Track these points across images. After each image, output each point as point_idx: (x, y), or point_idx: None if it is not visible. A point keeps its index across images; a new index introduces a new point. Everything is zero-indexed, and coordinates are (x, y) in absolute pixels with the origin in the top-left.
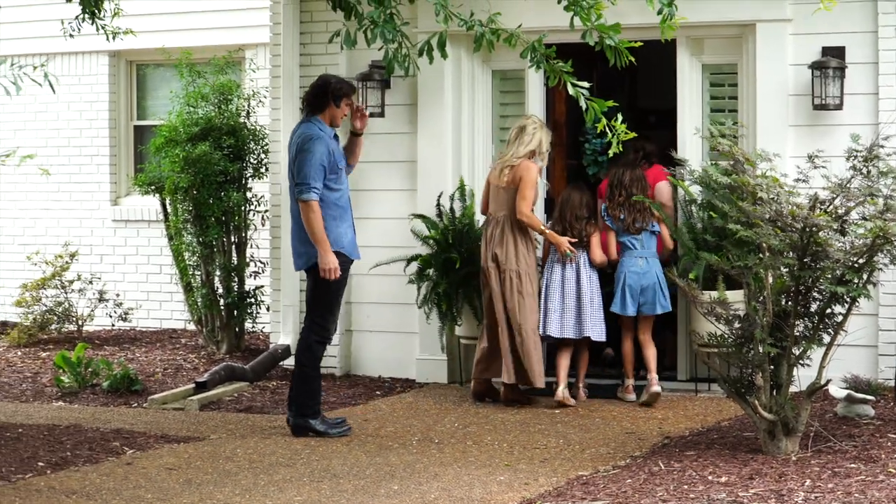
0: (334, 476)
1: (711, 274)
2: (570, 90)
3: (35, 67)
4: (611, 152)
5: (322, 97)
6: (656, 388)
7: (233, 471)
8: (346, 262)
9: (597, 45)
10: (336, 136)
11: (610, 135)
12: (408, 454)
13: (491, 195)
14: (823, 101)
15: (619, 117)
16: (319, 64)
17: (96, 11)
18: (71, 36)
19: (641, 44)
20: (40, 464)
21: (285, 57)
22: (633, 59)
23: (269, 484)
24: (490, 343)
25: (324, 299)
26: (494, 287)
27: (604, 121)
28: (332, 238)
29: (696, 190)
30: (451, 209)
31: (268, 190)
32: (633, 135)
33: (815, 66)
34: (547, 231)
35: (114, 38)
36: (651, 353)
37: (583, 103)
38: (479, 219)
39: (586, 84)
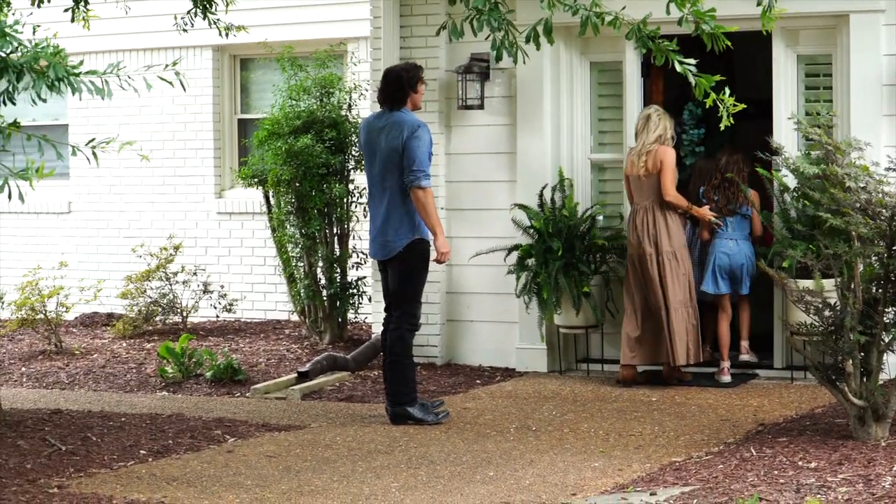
0: (431, 462)
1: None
2: (678, 67)
3: (166, 66)
4: (722, 125)
5: (400, 90)
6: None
7: (331, 458)
8: (429, 248)
9: (693, 30)
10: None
11: (721, 108)
12: (504, 441)
13: (633, 186)
14: None
15: (727, 90)
16: (420, 57)
17: (208, 6)
18: (184, 31)
19: (738, 28)
20: (142, 451)
21: (386, 50)
22: (729, 44)
23: (366, 471)
24: (642, 328)
25: (412, 289)
26: (652, 272)
27: (713, 95)
28: (423, 226)
29: (790, 181)
30: (553, 199)
31: None
32: (742, 106)
33: None
34: (693, 207)
35: (227, 34)
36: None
37: (691, 79)
38: (580, 209)
39: (693, 61)
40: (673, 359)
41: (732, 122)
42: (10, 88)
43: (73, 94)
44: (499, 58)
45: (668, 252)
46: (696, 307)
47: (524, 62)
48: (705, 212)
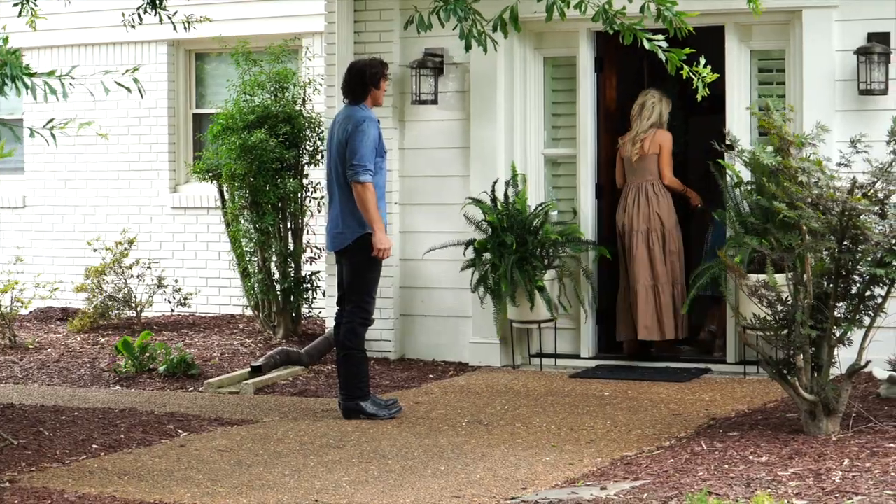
0: (383, 457)
1: (759, 257)
2: (647, 45)
3: (126, 72)
4: (698, 97)
5: (362, 85)
6: None
7: (283, 452)
8: None
9: (655, 17)
10: (378, 122)
11: (695, 80)
12: (456, 436)
13: (626, 168)
14: (869, 87)
15: (702, 61)
16: (374, 52)
17: (157, 2)
18: (132, 27)
19: (698, 13)
20: (94, 446)
21: (340, 45)
22: (692, 29)
23: (318, 465)
24: (644, 302)
25: (365, 282)
26: (639, 248)
27: (686, 68)
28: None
29: (743, 174)
30: (506, 194)
31: (323, 177)
32: (716, 76)
33: (860, 52)
34: (688, 190)
35: (187, 27)
36: None
37: (661, 55)
38: (531, 203)
39: (661, 37)
40: (641, 332)
41: (708, 92)
42: None
43: (28, 94)
44: (468, 47)
45: (659, 229)
46: (684, 286)
47: (495, 49)
48: (696, 195)
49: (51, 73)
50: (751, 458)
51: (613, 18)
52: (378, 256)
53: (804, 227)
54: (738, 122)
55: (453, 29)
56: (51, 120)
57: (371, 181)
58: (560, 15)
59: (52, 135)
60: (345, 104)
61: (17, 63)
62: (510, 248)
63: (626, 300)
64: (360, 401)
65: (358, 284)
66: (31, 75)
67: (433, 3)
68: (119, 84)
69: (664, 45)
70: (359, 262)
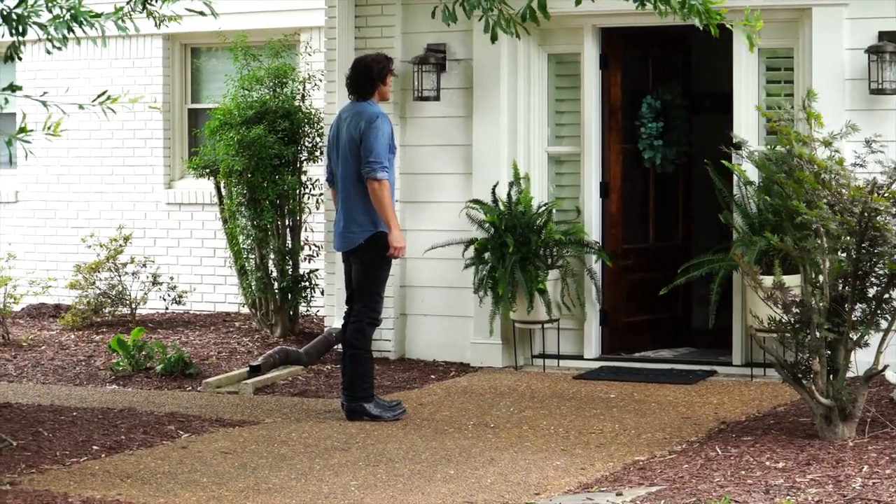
0: (390, 460)
1: (766, 258)
2: (697, 22)
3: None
4: (751, 50)
5: (369, 81)
6: None
7: (288, 455)
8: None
9: (680, 7)
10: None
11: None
12: (463, 438)
13: None
14: (880, 86)
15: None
16: (374, 47)
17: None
18: (125, 29)
19: (726, 10)
20: (95, 447)
21: (340, 40)
22: (721, 16)
23: (324, 468)
24: None
25: (374, 282)
26: None
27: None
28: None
29: (750, 174)
30: (508, 194)
31: (322, 173)
32: (761, 24)
33: (871, 51)
34: None
35: (160, 24)
36: None
37: (714, 25)
38: (535, 203)
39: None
40: None
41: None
42: None
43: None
44: (494, 38)
45: None
46: None
47: (518, 37)
48: None
49: (118, 11)
50: (767, 463)
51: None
52: (393, 255)
53: (821, 229)
54: (746, 122)
55: (479, 20)
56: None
57: (388, 178)
58: None
59: (49, 135)
60: (350, 101)
61: (79, 7)
62: (510, 249)
63: None
64: (364, 402)
65: (367, 284)
66: (96, 16)
67: None
68: (90, 105)
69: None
70: (369, 261)
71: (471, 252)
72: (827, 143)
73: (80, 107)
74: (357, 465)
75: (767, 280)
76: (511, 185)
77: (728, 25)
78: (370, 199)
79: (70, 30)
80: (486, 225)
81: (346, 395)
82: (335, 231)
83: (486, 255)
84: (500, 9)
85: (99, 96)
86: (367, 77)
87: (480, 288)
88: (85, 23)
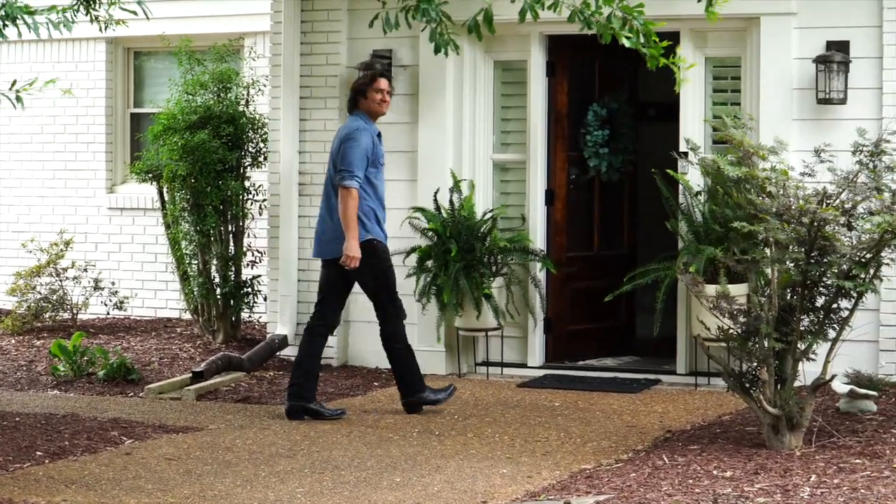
0: (336, 468)
1: (712, 267)
2: (627, 42)
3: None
4: (677, 88)
5: (351, 97)
6: None
7: (233, 461)
8: (385, 248)
9: (621, 26)
10: (379, 134)
11: (676, 70)
12: (409, 446)
13: None
14: (827, 96)
15: (678, 52)
16: (320, 52)
17: (91, 2)
18: (68, 29)
19: (665, 23)
20: (38, 453)
21: (286, 45)
22: (657, 39)
23: (270, 475)
24: None
25: (386, 285)
26: None
27: (663, 60)
28: (376, 227)
29: (694, 183)
30: (451, 201)
31: (266, 179)
32: (696, 64)
33: (819, 60)
34: None
35: (105, 28)
36: None
37: (643, 50)
38: (480, 209)
39: (633, 36)
40: None
41: (688, 80)
42: None
43: (31, 33)
44: (437, 50)
45: None
46: None
47: (457, 53)
48: None
49: (52, 8)
50: (715, 472)
51: (590, 18)
52: (344, 264)
53: (770, 239)
54: (693, 131)
55: (422, 31)
56: None
57: (356, 187)
58: (533, 16)
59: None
60: None
61: (14, 3)
62: (453, 255)
63: None
64: (420, 393)
65: (381, 286)
66: (31, 13)
67: (399, 2)
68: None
69: (642, 40)
70: (371, 266)
71: (412, 260)
72: (763, 157)
73: None
74: (303, 472)
75: (712, 289)
76: (451, 191)
77: (672, 66)
78: (362, 208)
79: (5, 24)
80: (430, 233)
81: (403, 392)
82: (316, 239)
83: (429, 262)
84: (442, 21)
85: (13, 84)
86: (351, 91)
87: (423, 296)
88: (19, 19)
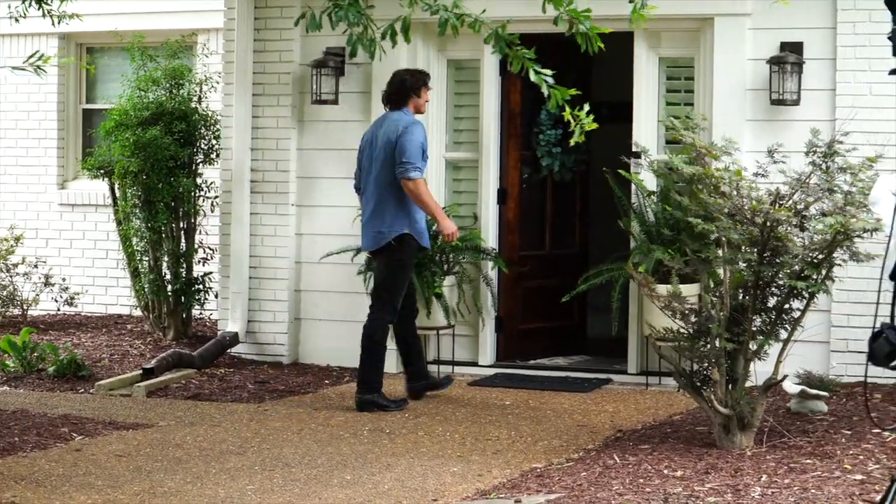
0: (286, 465)
1: (663, 266)
2: (533, 77)
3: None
4: (572, 141)
5: (403, 93)
6: None
7: (183, 458)
8: (417, 246)
9: (568, 30)
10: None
11: (573, 123)
12: (359, 444)
13: None
14: (781, 97)
15: (586, 107)
16: (273, 50)
17: None
18: (17, 20)
19: (611, 30)
20: None
21: (239, 42)
22: (603, 46)
23: (220, 472)
24: None
25: (397, 282)
26: None
27: (568, 109)
28: (417, 224)
29: (648, 183)
30: None
31: (218, 176)
32: (595, 126)
33: (773, 61)
34: None
35: (59, 22)
36: None
37: (545, 90)
38: None
39: (549, 71)
40: None
41: (584, 139)
42: None
43: None
44: (353, 53)
45: None
46: None
47: (380, 59)
48: None
49: None
50: (665, 472)
51: (504, 44)
52: (448, 240)
53: (723, 239)
54: (647, 131)
55: (343, 33)
56: None
57: (421, 177)
58: (454, 31)
59: None
60: (386, 111)
61: None
62: None
63: None
64: (376, 394)
65: (391, 283)
66: None
67: (327, 2)
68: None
69: (550, 80)
70: (397, 260)
71: (362, 258)
72: (715, 157)
73: None
74: (253, 470)
75: (664, 289)
76: None
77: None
78: (402, 202)
79: None
80: None
81: (360, 389)
82: (363, 232)
83: None
84: (365, 25)
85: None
86: (400, 89)
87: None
88: None
